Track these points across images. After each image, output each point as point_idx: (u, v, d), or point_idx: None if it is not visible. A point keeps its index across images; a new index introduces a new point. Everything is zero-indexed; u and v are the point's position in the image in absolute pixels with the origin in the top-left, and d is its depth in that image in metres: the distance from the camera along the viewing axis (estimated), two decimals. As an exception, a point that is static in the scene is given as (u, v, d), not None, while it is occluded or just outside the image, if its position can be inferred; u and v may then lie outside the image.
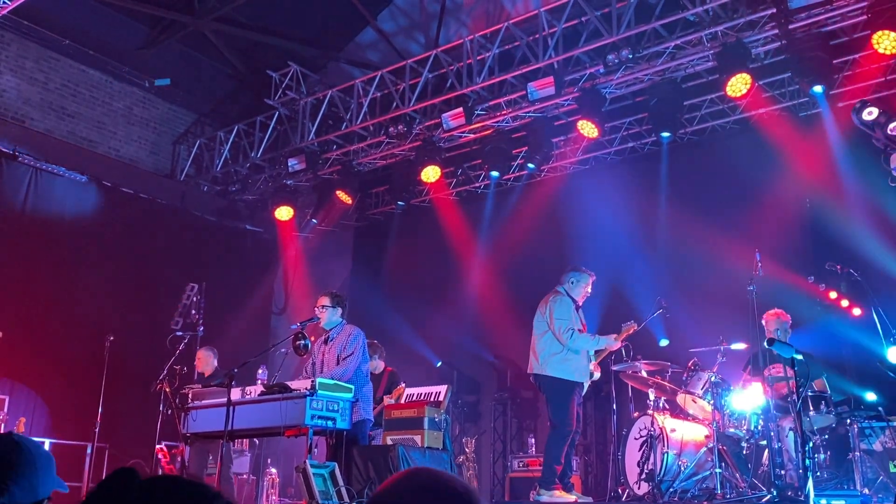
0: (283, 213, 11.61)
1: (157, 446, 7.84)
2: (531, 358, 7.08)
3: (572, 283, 7.20)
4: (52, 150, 10.49)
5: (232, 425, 6.12)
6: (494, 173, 10.39)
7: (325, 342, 6.93)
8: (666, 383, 7.33)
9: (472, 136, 10.38)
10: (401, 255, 12.11)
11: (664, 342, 7.93)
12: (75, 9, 10.65)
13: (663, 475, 6.67)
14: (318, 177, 11.41)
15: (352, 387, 6.36)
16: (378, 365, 8.53)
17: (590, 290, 7.29)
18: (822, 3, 7.75)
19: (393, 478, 1.47)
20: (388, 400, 8.13)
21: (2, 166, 9.88)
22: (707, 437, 6.78)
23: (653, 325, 7.52)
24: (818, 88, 8.13)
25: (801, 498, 5.16)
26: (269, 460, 9.57)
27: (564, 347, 6.89)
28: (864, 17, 7.69)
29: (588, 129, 9.23)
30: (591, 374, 7.12)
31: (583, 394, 7.14)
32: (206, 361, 8.52)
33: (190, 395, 6.87)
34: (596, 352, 7.17)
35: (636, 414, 7.45)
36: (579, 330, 6.99)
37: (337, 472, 5.97)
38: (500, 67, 9.46)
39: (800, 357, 5.62)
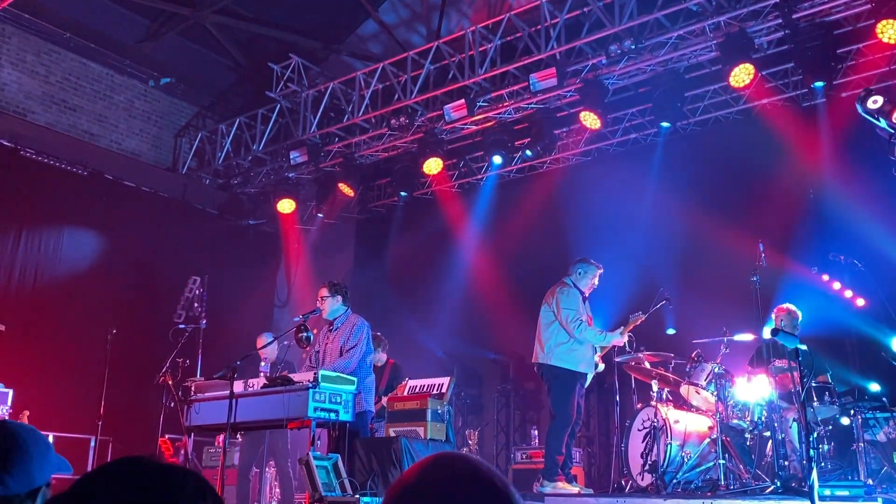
0: (286, 205, 11.61)
1: (161, 439, 7.86)
2: (536, 347, 7.12)
3: (580, 273, 7.28)
4: (53, 144, 10.47)
5: (235, 418, 6.12)
6: (497, 160, 10.36)
7: (330, 331, 6.93)
8: (669, 374, 7.32)
9: (474, 127, 10.36)
10: (403, 247, 12.10)
11: (671, 331, 7.93)
12: (76, 2, 10.63)
13: (667, 466, 6.66)
14: (320, 169, 11.39)
15: (355, 379, 6.36)
16: (381, 358, 8.54)
17: (597, 283, 7.36)
18: (825, -7, 7.71)
19: (424, 461, 1.32)
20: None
21: (3, 160, 9.86)
22: (710, 428, 6.77)
23: (659, 315, 7.51)
24: (819, 84, 8.11)
25: (805, 489, 5.14)
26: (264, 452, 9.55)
27: (571, 338, 6.93)
28: (868, 6, 7.65)
29: (591, 120, 9.21)
30: (596, 366, 7.13)
31: (585, 385, 7.15)
32: (270, 347, 8.47)
33: (193, 388, 6.88)
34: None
35: (639, 405, 7.44)
36: (586, 321, 7.03)
37: (340, 464, 5.97)
38: (502, 59, 9.43)
39: (804, 348, 5.60)
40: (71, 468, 2.10)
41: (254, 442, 7.91)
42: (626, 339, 7.11)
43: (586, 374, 7.05)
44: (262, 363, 8.42)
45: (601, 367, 7.22)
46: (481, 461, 1.32)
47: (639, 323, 7.10)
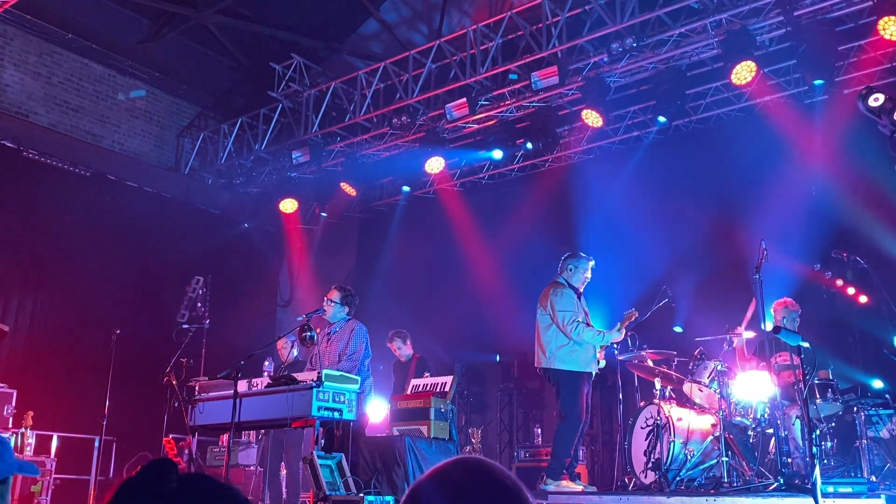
0: (288, 205, 11.63)
1: (165, 438, 7.88)
2: (538, 352, 7.06)
3: (571, 269, 7.11)
4: (55, 145, 10.49)
5: (239, 417, 6.14)
6: (498, 155, 10.36)
7: (328, 334, 6.95)
8: (672, 372, 7.31)
9: (475, 126, 10.36)
10: (405, 246, 12.12)
11: (678, 329, 7.92)
12: (77, 3, 10.64)
13: (670, 464, 6.67)
14: (322, 169, 11.40)
15: (358, 378, 6.38)
16: (407, 352, 8.66)
17: (589, 276, 7.16)
18: (827, -10, 7.70)
19: (442, 464, 1.40)
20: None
21: (6, 161, 9.89)
22: (713, 425, 6.77)
23: (664, 313, 7.47)
24: (819, 81, 8.11)
25: (808, 486, 5.15)
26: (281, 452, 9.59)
27: (571, 340, 6.86)
28: (870, 2, 7.64)
29: (592, 118, 9.21)
30: (597, 363, 7.10)
31: (590, 381, 7.09)
32: (287, 348, 8.58)
33: (196, 388, 6.90)
34: None
35: (642, 403, 7.44)
36: (583, 320, 6.96)
37: (344, 462, 5.99)
38: (504, 57, 9.42)
39: (806, 345, 5.60)
40: (38, 471, 2.14)
41: (276, 440, 8.00)
42: (623, 335, 7.03)
43: (591, 373, 7.01)
44: (267, 362, 8.45)
45: (602, 363, 7.17)
46: (495, 463, 1.40)
47: (633, 319, 7.00)
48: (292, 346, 8.51)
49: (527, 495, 1.35)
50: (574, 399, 6.80)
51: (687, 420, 6.90)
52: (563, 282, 7.10)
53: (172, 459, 1.35)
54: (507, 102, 9.76)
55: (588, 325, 6.99)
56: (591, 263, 7.17)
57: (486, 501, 1.32)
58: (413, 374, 8.52)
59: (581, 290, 7.15)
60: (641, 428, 7.12)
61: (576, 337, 6.81)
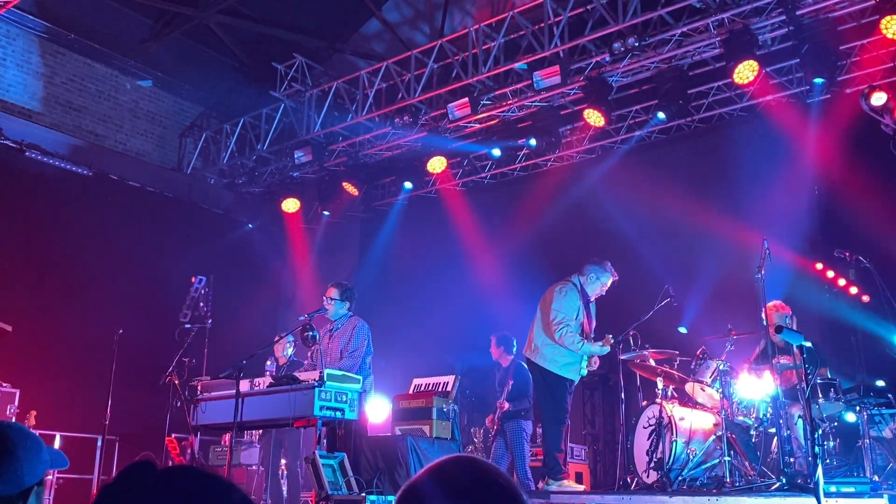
0: (290, 205, 11.65)
1: (167, 438, 7.88)
2: (528, 340, 7.05)
3: (591, 277, 7.00)
4: (58, 145, 10.51)
5: (241, 417, 6.15)
6: (496, 152, 10.36)
7: (330, 331, 6.95)
8: (674, 372, 7.30)
9: (477, 126, 10.36)
10: (407, 245, 12.12)
11: (683, 329, 7.89)
12: (80, 3, 10.66)
13: (672, 463, 6.66)
14: (325, 168, 11.41)
15: (360, 378, 6.38)
16: (508, 357, 8.67)
17: (606, 290, 7.07)
18: (829, -11, 7.69)
19: (438, 461, 1.41)
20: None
21: (9, 161, 9.90)
22: (716, 425, 6.76)
23: (667, 312, 7.44)
24: (819, 80, 8.11)
25: (811, 485, 5.14)
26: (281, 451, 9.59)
27: (553, 340, 6.80)
28: (872, 2, 7.64)
29: (594, 117, 9.20)
30: (581, 371, 7.00)
31: (572, 387, 7.02)
32: (284, 348, 8.58)
33: (199, 387, 6.90)
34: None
35: (645, 403, 7.42)
36: (582, 327, 6.88)
37: (346, 462, 5.99)
38: (506, 57, 9.43)
39: (809, 345, 5.59)
40: (67, 462, 2.10)
41: (277, 441, 8.03)
42: (606, 352, 6.93)
43: (572, 380, 6.95)
44: (269, 362, 8.46)
45: (584, 372, 7.07)
46: (487, 462, 1.41)
47: (609, 343, 6.87)
48: (292, 346, 8.51)
49: (520, 493, 1.35)
50: (553, 399, 6.76)
51: (689, 420, 6.89)
52: (576, 283, 6.99)
53: (153, 461, 1.33)
54: (508, 102, 9.76)
55: (587, 332, 6.93)
56: (614, 280, 7.04)
57: (483, 497, 1.32)
58: (511, 378, 8.54)
59: (592, 299, 7.07)
60: (644, 427, 7.10)
61: (558, 339, 6.73)
